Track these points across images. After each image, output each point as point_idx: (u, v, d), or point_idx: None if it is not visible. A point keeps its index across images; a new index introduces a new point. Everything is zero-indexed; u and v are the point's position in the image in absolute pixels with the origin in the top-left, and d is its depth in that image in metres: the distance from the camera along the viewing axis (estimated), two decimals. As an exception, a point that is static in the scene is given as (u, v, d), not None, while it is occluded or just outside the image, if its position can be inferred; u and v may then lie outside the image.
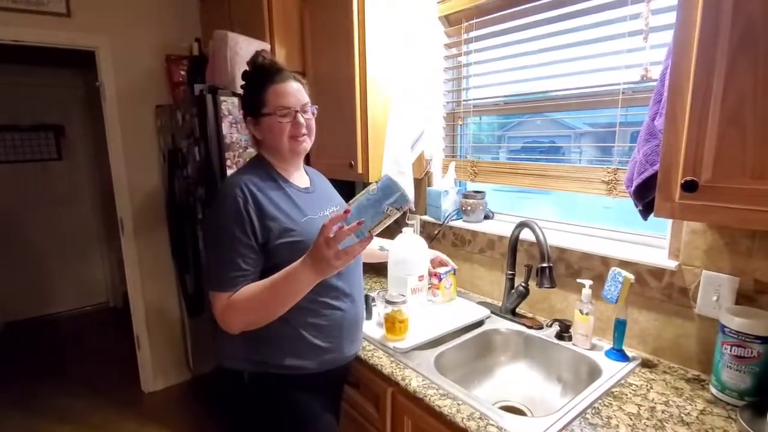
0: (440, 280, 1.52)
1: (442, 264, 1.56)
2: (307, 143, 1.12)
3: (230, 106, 1.79)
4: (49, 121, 3.70)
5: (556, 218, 1.57)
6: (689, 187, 0.80)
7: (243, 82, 1.11)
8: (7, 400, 2.70)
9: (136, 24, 2.37)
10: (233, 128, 1.81)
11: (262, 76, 1.08)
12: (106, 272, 4.14)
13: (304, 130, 1.09)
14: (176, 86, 2.34)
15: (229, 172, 1.80)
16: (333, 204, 1.22)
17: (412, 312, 1.44)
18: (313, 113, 1.12)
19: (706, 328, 1.10)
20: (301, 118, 1.08)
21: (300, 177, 1.18)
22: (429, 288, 1.55)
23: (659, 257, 1.19)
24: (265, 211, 1.01)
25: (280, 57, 1.89)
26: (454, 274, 1.56)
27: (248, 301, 0.98)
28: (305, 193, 1.14)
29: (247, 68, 1.11)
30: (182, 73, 2.31)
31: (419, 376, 1.13)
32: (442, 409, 0.99)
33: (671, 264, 1.15)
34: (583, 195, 1.42)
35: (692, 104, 0.79)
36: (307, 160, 2.02)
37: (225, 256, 0.99)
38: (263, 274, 1.01)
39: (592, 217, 1.50)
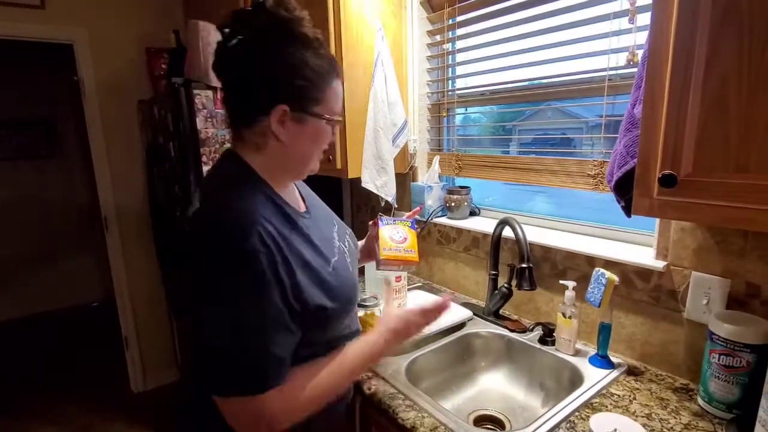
0: (380, 225, 1.00)
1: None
2: None
3: (204, 99, 1.72)
4: (39, 117, 3.67)
5: (548, 214, 1.48)
6: (667, 181, 0.71)
7: (275, 49, 0.70)
8: (-4, 400, 2.69)
9: (114, 15, 2.30)
10: (208, 123, 1.74)
11: (329, 59, 0.76)
12: (101, 270, 4.12)
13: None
14: (158, 80, 2.28)
15: (205, 169, 1.74)
16: (331, 223, 0.92)
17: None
18: None
19: (695, 333, 1.02)
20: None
21: (292, 193, 0.85)
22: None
23: (646, 257, 1.11)
24: (294, 268, 0.70)
25: (258, 48, 1.81)
26: (414, 228, 1.04)
27: (314, 395, 0.72)
28: (307, 218, 0.83)
29: (294, 28, 0.72)
30: (163, 66, 2.24)
31: (386, 385, 1.06)
32: (405, 422, 0.92)
33: (659, 264, 1.06)
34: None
35: (671, 88, 0.70)
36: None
37: (256, 345, 0.67)
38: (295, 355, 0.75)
39: (595, 212, 1.38)
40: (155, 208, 2.25)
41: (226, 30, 0.72)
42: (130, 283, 2.59)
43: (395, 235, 0.99)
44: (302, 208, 0.85)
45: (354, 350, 0.79)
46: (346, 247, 0.90)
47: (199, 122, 1.72)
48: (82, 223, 3.98)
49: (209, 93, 1.72)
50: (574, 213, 1.42)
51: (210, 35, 1.66)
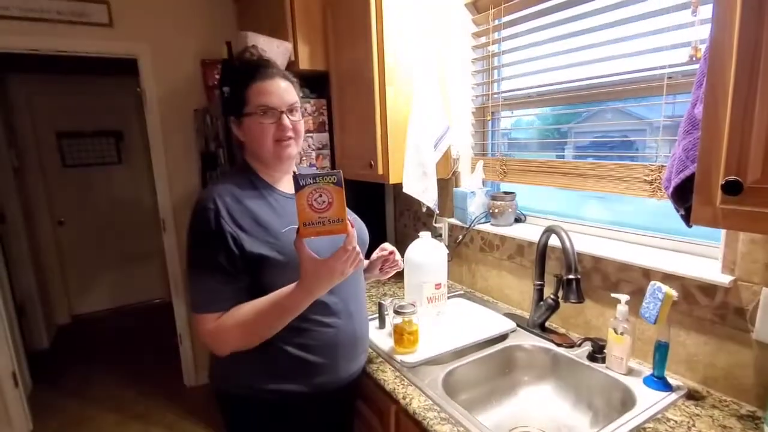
0: (297, 189, 0.83)
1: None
2: (293, 148, 1.01)
3: (252, 107, 1.78)
4: (109, 128, 3.99)
5: (604, 222, 1.39)
6: (731, 188, 0.64)
7: (226, 78, 1.05)
8: (67, 388, 2.92)
9: (175, 31, 2.45)
10: (256, 130, 1.80)
11: (245, 72, 0.99)
12: (163, 268, 4.37)
13: (289, 133, 0.99)
14: (211, 90, 2.40)
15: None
16: None
17: (428, 322, 1.35)
18: (302, 114, 1.04)
19: (765, 356, 0.91)
20: (286, 120, 0.98)
21: (289, 182, 1.05)
22: None
23: (711, 271, 1.01)
24: (240, 223, 0.93)
25: (304, 56, 1.86)
26: (340, 184, 0.81)
27: (237, 326, 0.91)
28: (286, 197, 1.04)
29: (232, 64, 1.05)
30: (216, 76, 2.35)
31: (422, 395, 1.04)
32: (440, 435, 0.89)
33: (725, 279, 0.96)
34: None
35: (736, 86, 0.63)
36: (333, 163, 1.99)
37: (202, 277, 0.92)
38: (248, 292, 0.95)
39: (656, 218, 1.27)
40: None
41: None
42: (185, 283, 2.73)
43: (317, 201, 0.80)
44: (292, 192, 0.97)
45: (277, 293, 0.91)
46: None
47: (247, 129, 1.78)
48: (147, 225, 4.26)
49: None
50: (642, 221, 1.32)
51: (257, 45, 1.71)
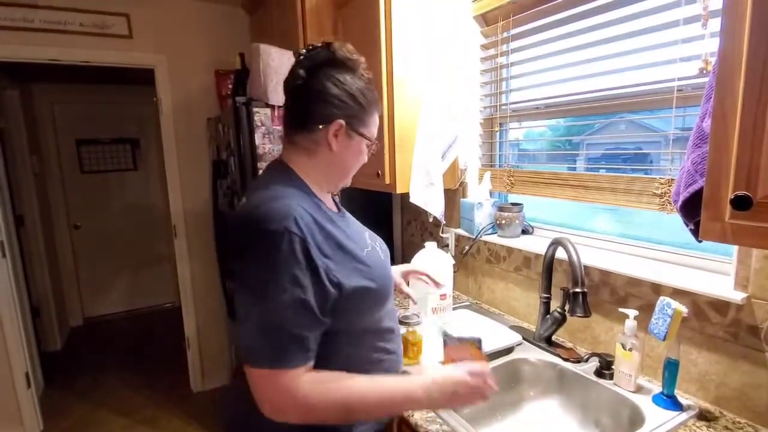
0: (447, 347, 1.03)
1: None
2: None
3: (263, 117, 1.81)
4: (126, 135, 4.09)
5: (615, 234, 1.37)
6: (740, 203, 0.63)
7: (340, 77, 0.83)
8: (78, 390, 2.95)
9: (190, 42, 2.51)
10: (266, 139, 1.83)
11: (375, 94, 0.89)
12: (175, 273, 4.42)
13: None
14: (224, 99, 2.44)
15: (261, 181, 1.81)
16: (362, 228, 0.99)
17: (432, 333, 1.34)
18: None
19: (781, 379, 0.88)
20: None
21: (327, 198, 0.93)
22: None
23: (723, 287, 0.98)
24: (326, 252, 0.76)
25: (315, 66, 1.88)
26: (480, 348, 1.02)
27: (342, 406, 0.72)
28: (341, 217, 0.91)
29: (353, 66, 0.85)
30: (229, 86, 2.39)
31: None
32: (440, 450, 0.88)
33: (737, 296, 0.94)
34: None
35: (745, 100, 0.62)
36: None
37: (281, 321, 0.70)
38: (325, 342, 0.77)
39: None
40: (218, 219, 2.38)
41: (302, 55, 0.85)
42: (194, 288, 2.76)
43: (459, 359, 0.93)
44: (334, 208, 0.92)
45: (404, 391, 0.77)
46: (377, 246, 0.94)
47: (258, 138, 1.81)
48: (159, 230, 4.32)
49: (267, 111, 1.80)
50: (655, 234, 1.29)
51: (270, 56, 1.74)
